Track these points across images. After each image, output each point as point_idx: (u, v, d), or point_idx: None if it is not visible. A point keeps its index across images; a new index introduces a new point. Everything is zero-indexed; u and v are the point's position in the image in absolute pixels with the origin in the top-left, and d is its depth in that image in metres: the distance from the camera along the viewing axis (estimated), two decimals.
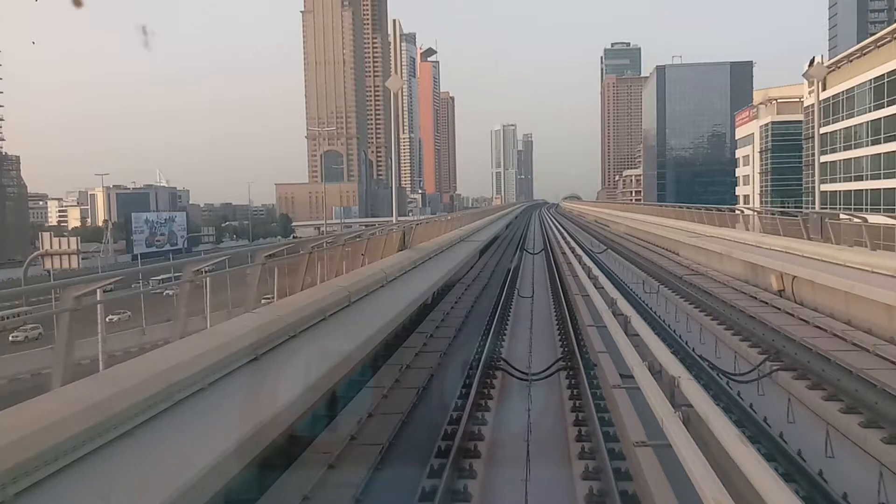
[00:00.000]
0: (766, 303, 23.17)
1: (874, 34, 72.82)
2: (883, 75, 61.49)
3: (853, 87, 67.90)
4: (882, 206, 59.70)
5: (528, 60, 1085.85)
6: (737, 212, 38.09)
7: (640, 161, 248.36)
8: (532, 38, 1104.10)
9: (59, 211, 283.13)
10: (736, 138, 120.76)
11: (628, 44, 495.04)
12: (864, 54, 66.71)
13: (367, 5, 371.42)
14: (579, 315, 20.34)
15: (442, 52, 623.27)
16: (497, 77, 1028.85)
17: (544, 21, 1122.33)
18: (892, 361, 14.40)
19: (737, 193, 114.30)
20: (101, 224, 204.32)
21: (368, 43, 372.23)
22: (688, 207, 46.32)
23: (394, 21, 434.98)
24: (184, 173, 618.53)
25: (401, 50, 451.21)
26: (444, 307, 24.31)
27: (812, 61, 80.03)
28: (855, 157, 67.51)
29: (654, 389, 8.78)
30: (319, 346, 11.21)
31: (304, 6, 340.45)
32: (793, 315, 20.57)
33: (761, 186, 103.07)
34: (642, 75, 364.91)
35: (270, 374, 9.51)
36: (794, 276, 22.93)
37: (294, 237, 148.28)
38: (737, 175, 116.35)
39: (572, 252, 33.65)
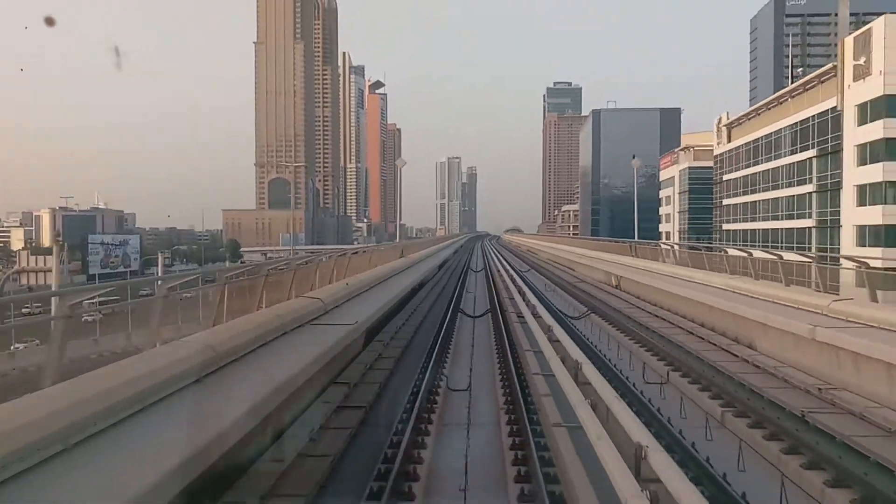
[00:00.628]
0: (606, 291, 39.05)
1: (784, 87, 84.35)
2: (770, 134, 72.98)
3: (749, 142, 79.46)
4: (770, 243, 70.66)
5: (474, 95, 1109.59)
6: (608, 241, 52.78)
7: (578, 197, 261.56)
8: (479, 74, 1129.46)
9: (0, 231, 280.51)
10: (660, 180, 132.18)
11: (570, 83, 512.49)
12: (759, 115, 78.39)
13: (319, 38, 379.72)
14: (503, 296, 32.68)
15: (389, 85, 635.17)
16: (443, 110, 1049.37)
17: (491, 59, 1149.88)
18: (651, 312, 28.84)
19: (660, 230, 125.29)
20: (46, 245, 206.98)
21: (318, 74, 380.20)
22: (592, 239, 59.64)
23: (343, 53, 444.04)
24: (125, 196, 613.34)
25: (350, 82, 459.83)
26: (427, 289, 38.53)
27: (720, 120, 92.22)
28: (751, 202, 78.83)
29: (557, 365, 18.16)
30: (369, 299, 20.74)
31: (257, 37, 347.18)
32: (614, 294, 36.93)
33: (680, 224, 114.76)
34: (583, 114, 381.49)
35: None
36: (621, 277, 39.23)
37: (241, 262, 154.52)
38: (660, 213, 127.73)
39: (504, 270, 45.81)
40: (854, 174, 54.42)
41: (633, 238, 55.34)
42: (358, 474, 10.20)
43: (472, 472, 10.50)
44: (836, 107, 56.80)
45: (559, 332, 18.53)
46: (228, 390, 9.29)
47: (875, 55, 50.74)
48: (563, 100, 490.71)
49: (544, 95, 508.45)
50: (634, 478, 7.59)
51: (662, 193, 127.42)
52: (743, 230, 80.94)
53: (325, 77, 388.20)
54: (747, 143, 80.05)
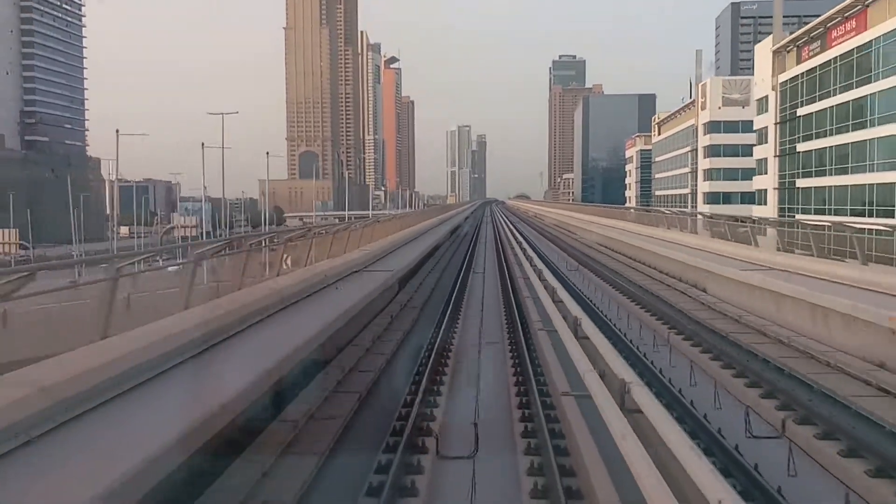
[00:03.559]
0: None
1: None
2: (674, 134, 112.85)
3: (665, 137, 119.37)
4: (673, 204, 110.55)
5: (485, 64, 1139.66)
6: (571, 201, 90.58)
7: None
8: (489, 47, 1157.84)
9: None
10: (626, 157, 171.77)
11: (574, 56, 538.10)
12: (673, 118, 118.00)
13: (341, 21, 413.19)
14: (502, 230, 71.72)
15: (403, 57, 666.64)
16: (455, 79, 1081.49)
17: (500, 31, 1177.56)
18: (594, 247, 65.75)
19: (626, 196, 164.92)
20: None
21: (341, 55, 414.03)
22: (570, 202, 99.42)
23: (361, 33, 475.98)
24: (167, 168, 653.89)
25: (367, 59, 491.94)
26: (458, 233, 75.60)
27: (654, 118, 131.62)
28: (664, 177, 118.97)
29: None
30: (421, 242, 61.36)
31: (286, 23, 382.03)
32: (565, 231, 73.33)
33: (636, 192, 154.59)
34: (586, 86, 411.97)
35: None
36: (568, 222, 76.26)
37: (284, 226, 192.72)
38: (626, 183, 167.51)
39: (503, 220, 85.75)
40: (703, 163, 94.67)
41: (611, 203, 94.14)
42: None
43: None
44: (694, 124, 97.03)
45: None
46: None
47: (707, 97, 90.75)
48: (567, 72, 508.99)
49: (550, 68, 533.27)
50: None
51: (627, 168, 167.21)
52: (662, 195, 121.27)
53: (346, 57, 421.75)
54: (665, 138, 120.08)
